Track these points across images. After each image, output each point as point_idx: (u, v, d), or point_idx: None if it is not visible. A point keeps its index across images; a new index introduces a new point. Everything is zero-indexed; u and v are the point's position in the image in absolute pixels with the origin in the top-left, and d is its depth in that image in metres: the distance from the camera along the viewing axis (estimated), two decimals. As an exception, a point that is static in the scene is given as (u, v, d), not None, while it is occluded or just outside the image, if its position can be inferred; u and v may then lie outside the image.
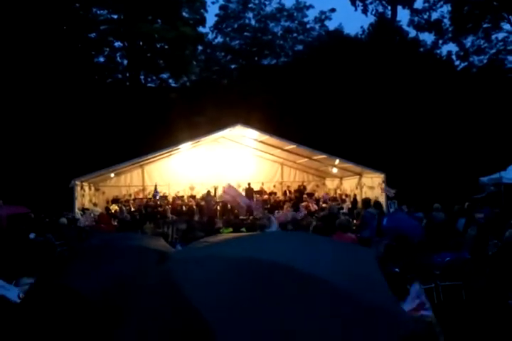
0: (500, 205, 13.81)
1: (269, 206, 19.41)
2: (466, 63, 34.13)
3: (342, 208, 17.63)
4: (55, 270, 5.11)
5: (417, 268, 7.94)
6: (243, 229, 10.25)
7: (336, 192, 21.82)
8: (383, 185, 17.82)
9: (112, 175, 19.49)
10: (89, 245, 5.00)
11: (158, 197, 19.64)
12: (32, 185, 20.54)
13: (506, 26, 33.15)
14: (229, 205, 19.50)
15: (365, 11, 38.35)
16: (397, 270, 7.94)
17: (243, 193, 20.16)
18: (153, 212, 17.73)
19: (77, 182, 16.71)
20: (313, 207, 18.32)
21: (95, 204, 18.76)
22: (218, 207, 19.18)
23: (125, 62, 34.20)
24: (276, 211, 18.42)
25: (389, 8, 37.78)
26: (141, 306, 2.50)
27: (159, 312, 2.32)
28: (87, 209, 17.27)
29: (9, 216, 13.18)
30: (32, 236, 10.73)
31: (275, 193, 21.81)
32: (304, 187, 22.13)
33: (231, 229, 10.02)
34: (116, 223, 14.89)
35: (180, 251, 3.21)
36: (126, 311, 2.62)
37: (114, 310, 2.90)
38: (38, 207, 15.73)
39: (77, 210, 16.14)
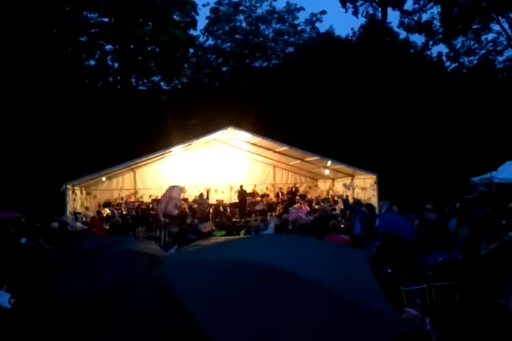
0: (491, 205, 13.86)
1: (261, 208, 19.43)
2: (456, 64, 34.40)
3: (334, 209, 17.68)
4: (46, 275, 5.09)
5: (410, 268, 7.97)
6: (242, 232, 10.24)
7: (328, 194, 21.86)
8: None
9: (104, 178, 19.42)
10: (81, 250, 4.99)
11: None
12: (23, 190, 20.41)
13: (496, 27, 33.45)
14: (221, 208, 19.52)
15: (355, 13, 38.58)
16: (389, 270, 7.96)
17: (234, 196, 20.22)
18: (145, 215, 17.67)
19: (69, 186, 16.62)
20: (306, 208, 18.32)
21: (87, 208, 18.67)
22: (211, 210, 19.15)
23: (116, 65, 34.13)
24: (269, 213, 18.44)
25: (379, 9, 38.01)
26: (134, 309, 2.50)
27: (152, 314, 2.32)
28: (79, 214, 17.18)
29: (0, 221, 13.08)
30: (23, 240, 10.66)
31: (268, 195, 21.82)
32: (297, 189, 22.14)
33: (224, 232, 10.02)
34: (108, 227, 14.82)
35: (171, 255, 3.21)
36: (118, 314, 2.61)
37: (107, 313, 2.89)
38: (29, 211, 15.63)
39: (68, 214, 16.05)
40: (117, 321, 2.56)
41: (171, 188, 16.52)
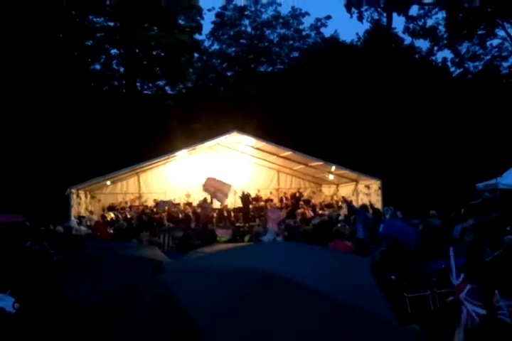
0: (496, 211, 13.83)
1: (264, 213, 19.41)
2: (461, 69, 34.36)
3: (339, 215, 17.64)
4: (51, 279, 5.10)
5: (414, 275, 7.94)
6: (246, 238, 10.23)
7: (332, 199, 21.83)
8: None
9: (108, 182, 19.46)
10: (85, 254, 5.00)
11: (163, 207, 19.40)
12: (28, 193, 20.46)
13: (501, 33, 33.46)
14: (225, 212, 19.51)
15: (360, 18, 38.51)
16: (393, 277, 7.94)
17: (238, 200, 20.24)
18: (149, 219, 17.69)
19: (73, 190, 16.68)
20: (310, 213, 18.31)
21: (91, 212, 18.71)
22: (215, 214, 19.15)
23: (121, 69, 34.22)
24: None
25: (384, 15, 37.96)
26: (138, 314, 2.50)
27: (154, 321, 2.32)
28: (83, 217, 17.22)
29: (5, 224, 13.12)
30: (27, 244, 10.68)
31: (271, 200, 21.79)
32: (301, 194, 22.11)
33: (228, 238, 10.01)
34: (112, 231, 14.85)
35: (175, 262, 3.21)
36: (122, 319, 2.62)
37: (111, 318, 2.90)
38: (33, 215, 15.67)
39: (73, 218, 16.09)
40: (121, 326, 2.57)
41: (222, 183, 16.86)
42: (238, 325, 2.14)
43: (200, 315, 2.15)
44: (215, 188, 17.24)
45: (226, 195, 17.72)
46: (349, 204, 14.22)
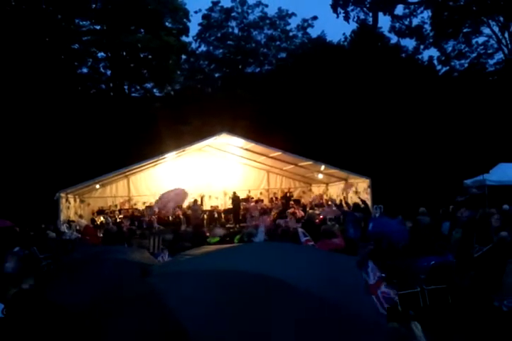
0: (483, 207, 13.92)
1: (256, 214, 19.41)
2: (447, 68, 34.59)
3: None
4: (39, 284, 5.08)
5: (403, 272, 7.99)
6: (237, 237, 10.18)
7: (322, 198, 21.87)
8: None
9: (97, 186, 19.36)
10: (74, 259, 4.98)
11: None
12: (16, 198, 20.30)
13: (486, 30, 33.73)
14: (215, 214, 19.50)
15: (346, 18, 38.60)
16: (383, 275, 7.96)
17: (229, 201, 20.22)
18: (139, 222, 17.63)
19: (62, 194, 16.58)
20: (300, 213, 18.34)
21: (81, 216, 18.62)
22: (205, 216, 19.12)
23: (109, 72, 34.13)
24: (261, 217, 18.39)
25: (370, 14, 38.14)
26: (125, 319, 2.51)
27: (142, 324, 2.33)
28: (73, 222, 17.13)
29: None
30: (16, 249, 10.61)
31: (262, 200, 21.79)
32: (291, 194, 22.14)
33: (218, 239, 9.99)
34: (101, 235, 14.78)
35: (163, 265, 3.23)
36: (110, 324, 2.62)
37: (99, 323, 2.90)
38: (22, 220, 15.56)
39: (62, 222, 16.01)
40: (109, 329, 2.57)
41: (179, 192, 16.96)
42: (224, 326, 2.15)
43: (187, 317, 2.17)
44: (167, 200, 17.39)
45: (181, 201, 18.06)
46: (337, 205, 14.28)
